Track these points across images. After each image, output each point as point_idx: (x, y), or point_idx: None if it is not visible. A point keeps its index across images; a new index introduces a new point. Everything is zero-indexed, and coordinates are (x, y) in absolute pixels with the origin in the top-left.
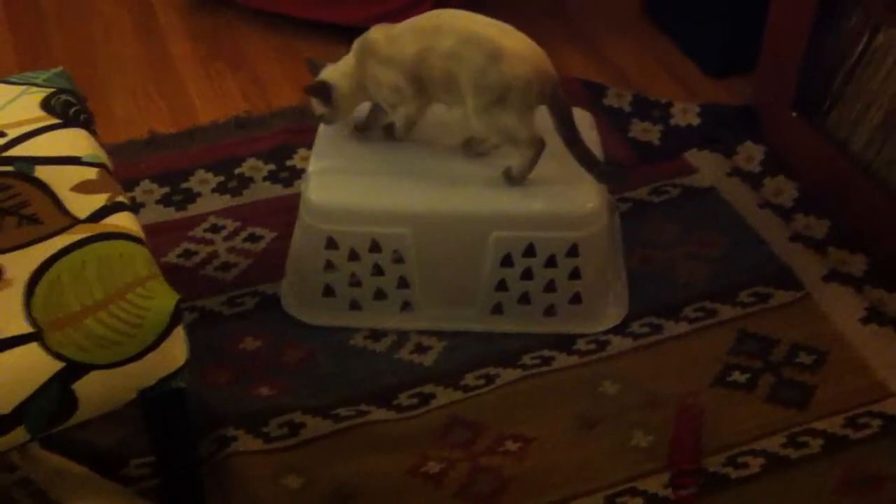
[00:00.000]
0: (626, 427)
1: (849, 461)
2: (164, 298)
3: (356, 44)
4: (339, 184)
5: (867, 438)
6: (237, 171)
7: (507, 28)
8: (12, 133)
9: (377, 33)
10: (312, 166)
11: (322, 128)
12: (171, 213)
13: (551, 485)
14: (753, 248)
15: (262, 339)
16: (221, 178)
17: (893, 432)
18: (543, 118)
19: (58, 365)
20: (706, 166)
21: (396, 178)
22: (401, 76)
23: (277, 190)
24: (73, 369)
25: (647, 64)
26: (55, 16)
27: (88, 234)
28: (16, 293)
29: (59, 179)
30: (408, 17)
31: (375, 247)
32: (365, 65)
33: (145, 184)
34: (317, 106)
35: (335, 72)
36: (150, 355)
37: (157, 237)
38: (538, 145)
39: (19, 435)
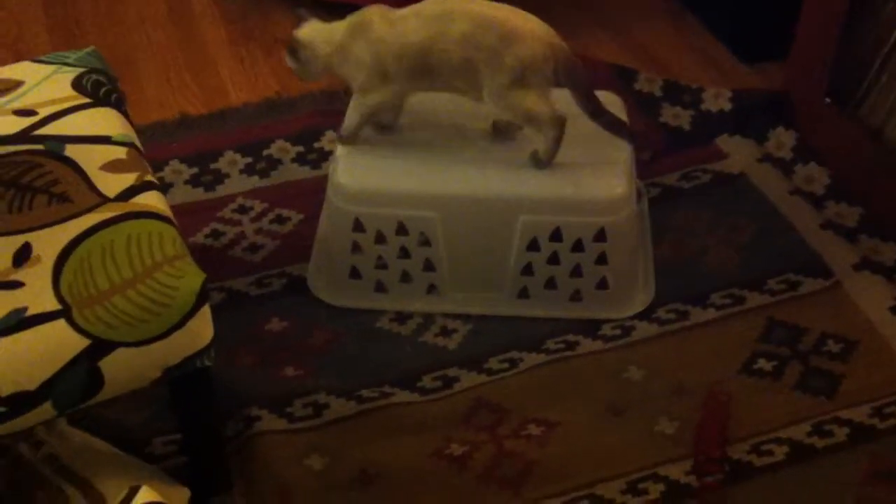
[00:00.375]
0: (650, 413)
1: (875, 451)
2: (191, 278)
3: (351, 17)
4: (366, 166)
5: (894, 428)
6: (266, 152)
7: (516, 9)
8: (43, 112)
9: (374, 14)
10: (341, 148)
11: (350, 110)
12: (199, 194)
13: (575, 470)
14: (783, 235)
15: (289, 320)
16: (250, 160)
17: None
18: (568, 102)
19: (85, 342)
20: (737, 152)
21: (424, 161)
22: (382, 62)
23: (305, 172)
24: (100, 347)
25: (679, 49)
26: None
27: (117, 212)
28: (44, 271)
29: (89, 158)
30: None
31: (402, 229)
32: (353, 41)
33: (174, 164)
34: (287, 58)
35: (317, 32)
36: (177, 334)
37: (185, 218)
38: (560, 123)
39: (46, 411)
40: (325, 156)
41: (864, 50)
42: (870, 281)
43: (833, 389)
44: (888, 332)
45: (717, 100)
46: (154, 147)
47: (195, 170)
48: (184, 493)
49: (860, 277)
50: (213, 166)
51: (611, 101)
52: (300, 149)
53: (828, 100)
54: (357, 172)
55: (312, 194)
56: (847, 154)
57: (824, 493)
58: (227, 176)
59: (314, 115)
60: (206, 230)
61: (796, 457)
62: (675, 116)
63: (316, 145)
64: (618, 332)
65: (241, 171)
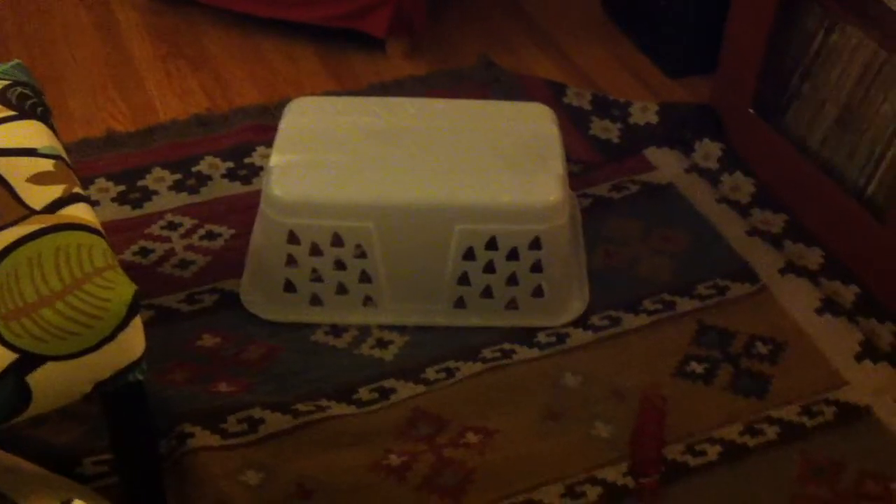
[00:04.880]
0: (587, 418)
1: (806, 449)
2: (121, 289)
3: None
4: (300, 177)
5: (822, 426)
6: (195, 168)
7: None
8: None
9: None
10: (274, 160)
11: (284, 122)
12: (126, 212)
13: (514, 476)
14: (712, 242)
15: (221, 335)
16: (179, 176)
17: (847, 420)
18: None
19: (12, 356)
20: (665, 163)
21: (359, 172)
22: None
23: (236, 188)
24: (28, 361)
25: (608, 64)
26: (11, 13)
27: (45, 224)
28: None
29: (15, 170)
30: (370, 17)
31: (337, 241)
32: None
33: (101, 182)
34: None
35: None
36: (108, 346)
37: (113, 235)
38: None
39: None
40: (256, 171)
41: (786, 62)
42: (795, 284)
43: (763, 390)
44: (814, 332)
45: (644, 113)
46: (80, 164)
47: (122, 187)
48: None
49: (786, 281)
50: (140, 183)
51: (542, 112)
52: (230, 164)
53: (752, 111)
54: (291, 183)
55: (244, 210)
56: (771, 163)
57: (759, 491)
58: (156, 193)
59: (245, 130)
60: (135, 247)
61: (730, 456)
62: (605, 129)
63: (247, 161)
64: (553, 339)
65: (170, 188)
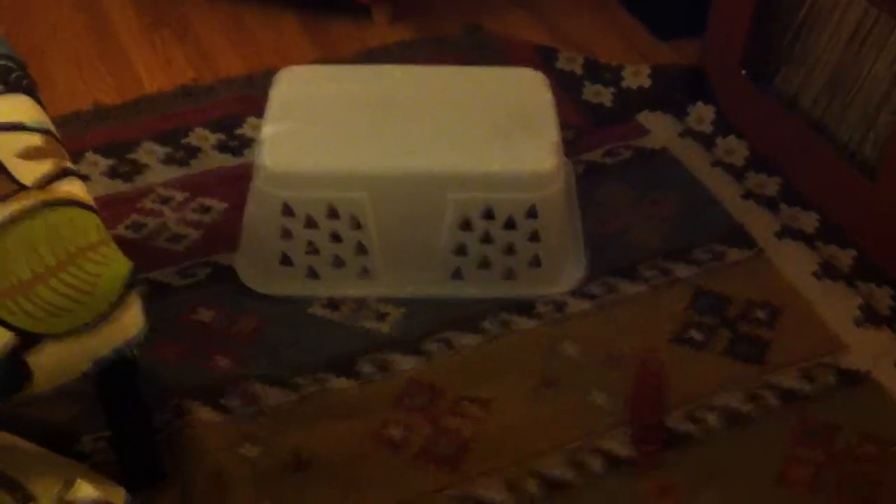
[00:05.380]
0: (585, 385)
1: (803, 413)
2: (116, 264)
3: None
4: (293, 148)
5: (822, 390)
6: (185, 141)
7: None
8: None
9: None
10: (265, 131)
11: (274, 92)
12: (117, 186)
13: (512, 444)
14: (707, 207)
15: (216, 309)
16: (169, 149)
17: (846, 384)
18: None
19: (8, 335)
20: (658, 128)
21: (352, 141)
22: None
23: (226, 160)
24: (25, 339)
25: (597, 27)
26: None
27: (36, 200)
28: None
29: (4, 146)
30: None
31: (333, 212)
32: None
33: (90, 156)
34: None
35: None
36: (104, 324)
37: (104, 210)
38: None
39: None
40: (247, 143)
41: (776, 23)
42: (792, 248)
43: (762, 355)
44: (812, 296)
45: (636, 77)
46: (68, 139)
47: (112, 161)
48: (119, 492)
49: (782, 245)
50: (130, 157)
51: (534, 77)
52: (220, 136)
53: (743, 72)
54: (284, 155)
55: (235, 182)
56: (764, 126)
57: (755, 456)
58: (146, 166)
59: (233, 101)
60: (127, 222)
61: (729, 422)
62: (597, 94)
63: (237, 132)
64: (550, 308)
65: (160, 161)
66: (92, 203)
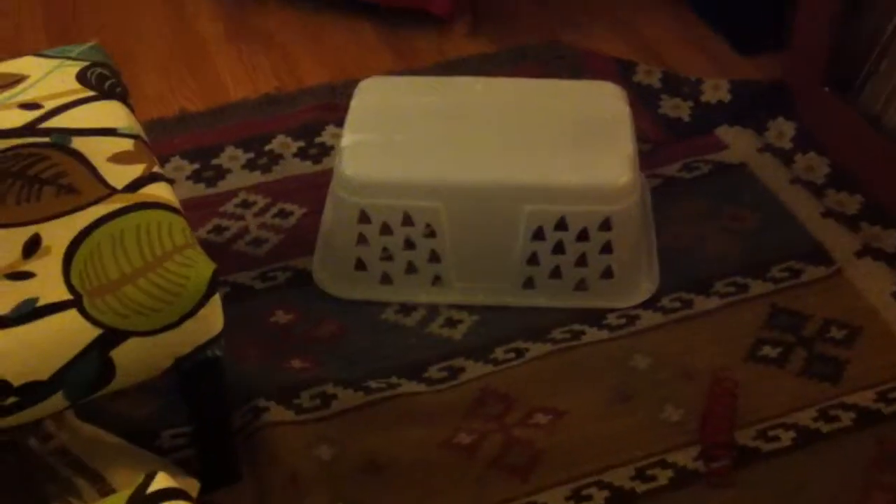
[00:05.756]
0: (657, 401)
1: (881, 435)
2: (201, 267)
3: None
4: (372, 157)
5: None
6: (267, 147)
7: None
8: (49, 105)
9: None
10: (346, 140)
11: (355, 102)
12: (201, 190)
13: (583, 457)
14: (785, 224)
15: (294, 313)
16: (251, 155)
17: None
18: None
19: (96, 332)
20: (737, 143)
21: (430, 152)
22: None
23: (307, 167)
24: (112, 336)
25: (677, 41)
26: None
27: (126, 203)
28: (55, 261)
29: (96, 150)
30: None
31: (408, 220)
32: None
33: (175, 160)
34: None
35: None
36: (188, 323)
37: (187, 213)
38: None
39: (57, 401)
40: (327, 151)
41: (862, 38)
42: (871, 267)
43: (838, 375)
44: (891, 317)
45: (716, 91)
46: (154, 144)
47: (196, 165)
48: (193, 485)
49: (862, 264)
50: (214, 162)
51: (612, 91)
52: (301, 143)
53: (826, 89)
54: (362, 163)
55: (314, 189)
56: (846, 142)
57: (832, 477)
58: (229, 171)
59: (314, 109)
60: (209, 225)
61: (803, 442)
62: (675, 108)
63: (317, 140)
64: (623, 321)
65: (243, 167)
66: (178, 206)
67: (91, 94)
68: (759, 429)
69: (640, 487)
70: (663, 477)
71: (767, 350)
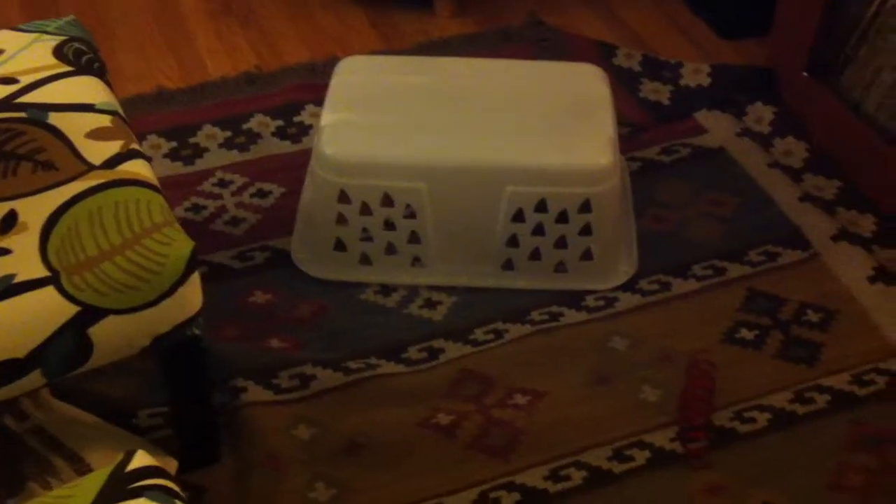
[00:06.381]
0: (635, 382)
1: (855, 418)
2: (180, 245)
3: None
4: (352, 136)
5: (873, 395)
6: (245, 126)
7: None
8: (25, 80)
9: None
10: (325, 119)
11: (335, 81)
12: (178, 168)
13: (561, 437)
14: (763, 208)
15: (272, 293)
16: (229, 134)
17: None
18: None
19: (74, 309)
20: (716, 127)
21: (410, 132)
22: None
23: (285, 146)
24: (90, 314)
25: (659, 24)
26: None
27: (104, 180)
28: (31, 238)
29: (74, 126)
30: None
31: (388, 201)
32: None
33: (152, 138)
34: None
35: None
36: (166, 301)
37: (165, 192)
38: None
39: (35, 379)
40: (305, 130)
41: (842, 24)
42: (848, 252)
43: (813, 358)
44: (866, 301)
45: (695, 75)
46: (132, 121)
47: (173, 144)
48: (171, 464)
49: (838, 248)
50: (191, 140)
51: (593, 73)
52: (280, 123)
53: (806, 74)
54: (342, 143)
55: (293, 169)
56: (825, 127)
57: (807, 459)
58: (207, 150)
59: (294, 89)
60: (187, 204)
61: (778, 423)
62: (655, 91)
63: (296, 119)
64: (601, 303)
65: (220, 146)
66: (157, 184)
67: (68, 69)
68: (735, 410)
69: (618, 468)
70: (641, 457)
71: (744, 333)
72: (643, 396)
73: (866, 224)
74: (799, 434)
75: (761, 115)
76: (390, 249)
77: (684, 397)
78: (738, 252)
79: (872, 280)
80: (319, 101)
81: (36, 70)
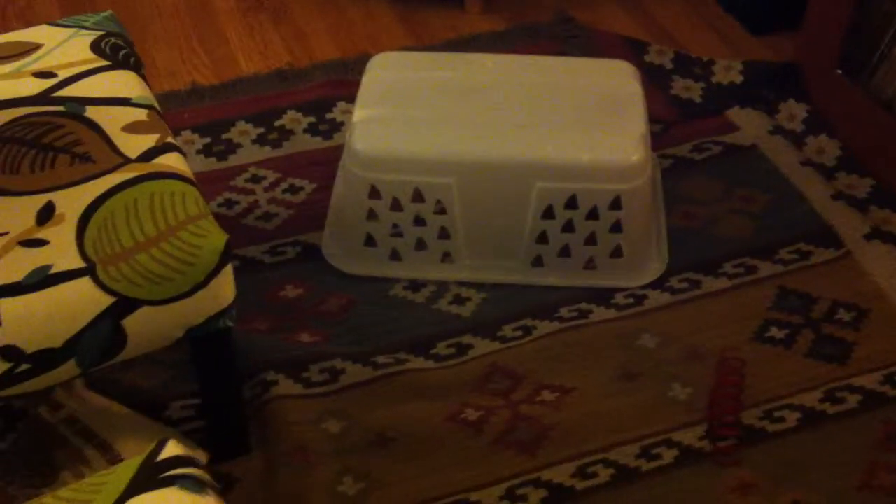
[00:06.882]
0: (664, 379)
1: (887, 418)
2: (214, 237)
3: None
4: (383, 132)
5: None
6: (277, 122)
7: None
8: (63, 74)
9: None
10: (357, 115)
11: (366, 77)
12: (212, 164)
13: (589, 434)
14: (795, 205)
15: (304, 287)
16: (262, 130)
17: None
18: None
19: (109, 300)
20: (748, 124)
21: (442, 127)
22: None
23: (317, 142)
24: (124, 304)
25: (689, 20)
26: None
27: (140, 172)
28: (68, 229)
29: (110, 119)
30: None
31: (418, 196)
32: None
33: (186, 134)
34: None
35: None
36: (200, 293)
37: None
38: None
39: (70, 368)
40: (337, 126)
41: (875, 21)
42: (880, 251)
43: (845, 357)
44: None
45: (727, 72)
46: (166, 117)
47: (207, 139)
48: (202, 456)
49: (871, 247)
50: (224, 136)
51: (624, 69)
52: (312, 119)
53: (839, 71)
54: (373, 138)
55: (325, 164)
56: (858, 125)
57: (837, 458)
58: (240, 146)
59: (326, 85)
60: (220, 199)
61: (808, 422)
62: (686, 88)
63: (328, 116)
64: (631, 300)
65: (253, 141)
66: (192, 177)
67: (105, 63)
68: (765, 409)
69: (646, 466)
70: (669, 455)
71: (775, 331)
72: (672, 394)
73: None
74: (829, 433)
75: (794, 112)
76: (420, 245)
77: (714, 395)
78: (770, 250)
79: None
80: (351, 98)
81: (74, 64)
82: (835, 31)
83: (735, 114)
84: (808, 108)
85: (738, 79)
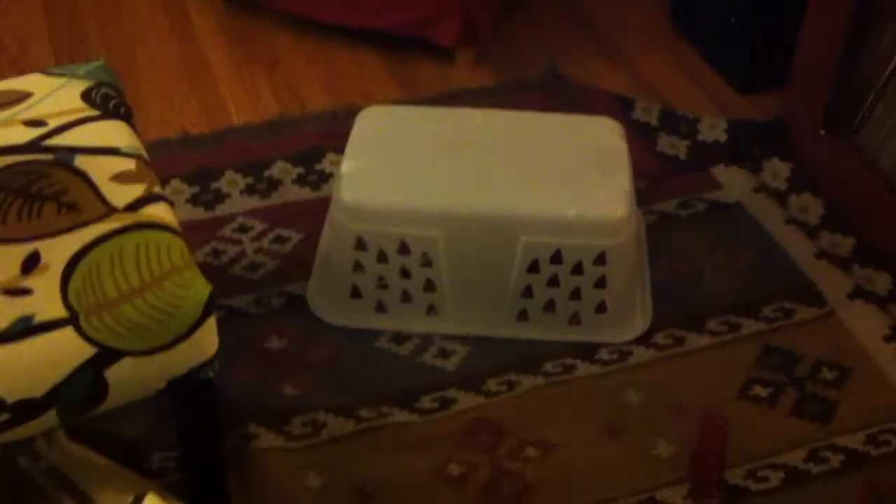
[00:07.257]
0: (648, 436)
1: (869, 478)
2: (198, 288)
3: None
4: (371, 184)
5: (888, 455)
6: (266, 173)
7: None
8: (53, 123)
9: None
10: (345, 166)
11: (356, 129)
12: (199, 213)
13: (572, 491)
14: (778, 263)
15: (288, 338)
16: (250, 180)
17: None
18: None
19: (91, 350)
20: (733, 182)
21: (429, 180)
22: None
23: (306, 193)
24: (107, 355)
25: (676, 77)
26: (92, 15)
27: (126, 223)
28: (53, 278)
29: (99, 169)
30: (439, 26)
31: (404, 248)
32: None
33: (175, 183)
34: None
35: None
36: (182, 344)
37: (186, 236)
38: None
39: (50, 419)
40: (326, 178)
41: (859, 81)
42: (863, 310)
43: (828, 416)
44: (882, 359)
45: (713, 130)
46: (155, 164)
47: (196, 189)
48: None
49: (854, 306)
50: (213, 185)
51: (610, 126)
52: (301, 170)
53: (822, 131)
54: (361, 190)
55: (313, 215)
56: (842, 184)
57: None
58: (228, 196)
59: (316, 136)
60: (207, 249)
61: (792, 482)
62: (672, 146)
63: (317, 167)
64: (615, 356)
65: (242, 192)
66: (178, 227)
67: (95, 113)
68: (748, 468)
69: None
70: None
71: (759, 389)
72: (656, 452)
73: (882, 282)
74: (812, 493)
75: (778, 170)
76: (405, 297)
77: (697, 453)
78: (754, 307)
79: (888, 339)
80: (340, 149)
81: (64, 113)
82: (819, 90)
83: (720, 171)
84: (793, 166)
85: (724, 137)
